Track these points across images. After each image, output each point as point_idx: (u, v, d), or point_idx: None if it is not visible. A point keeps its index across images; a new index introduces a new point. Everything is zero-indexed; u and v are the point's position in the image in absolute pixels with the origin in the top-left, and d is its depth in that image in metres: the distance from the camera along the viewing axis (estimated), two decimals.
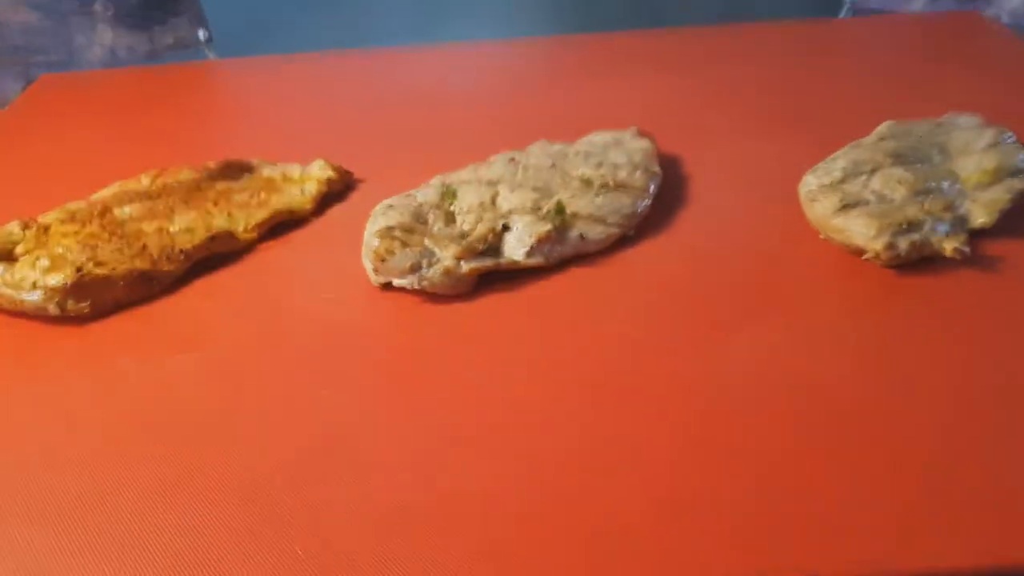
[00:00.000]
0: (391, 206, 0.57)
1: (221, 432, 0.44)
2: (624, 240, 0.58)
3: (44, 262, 0.53)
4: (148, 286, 0.54)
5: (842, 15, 1.30)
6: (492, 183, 0.59)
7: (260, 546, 0.37)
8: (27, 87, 0.97)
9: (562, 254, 0.55)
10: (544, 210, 0.56)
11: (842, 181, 0.57)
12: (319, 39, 1.04)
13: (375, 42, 1.08)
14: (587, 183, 0.59)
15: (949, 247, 0.51)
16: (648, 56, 0.92)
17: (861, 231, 0.52)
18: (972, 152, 0.61)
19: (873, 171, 0.58)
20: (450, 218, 0.57)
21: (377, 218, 0.56)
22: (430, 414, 0.44)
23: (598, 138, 0.68)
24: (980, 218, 0.54)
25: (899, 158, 0.59)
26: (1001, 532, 0.36)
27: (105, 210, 0.60)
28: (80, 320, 0.53)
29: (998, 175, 0.58)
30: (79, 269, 0.52)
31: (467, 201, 0.57)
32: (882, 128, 0.65)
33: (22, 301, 0.52)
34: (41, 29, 1.24)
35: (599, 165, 0.61)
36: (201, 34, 1.34)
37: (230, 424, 0.45)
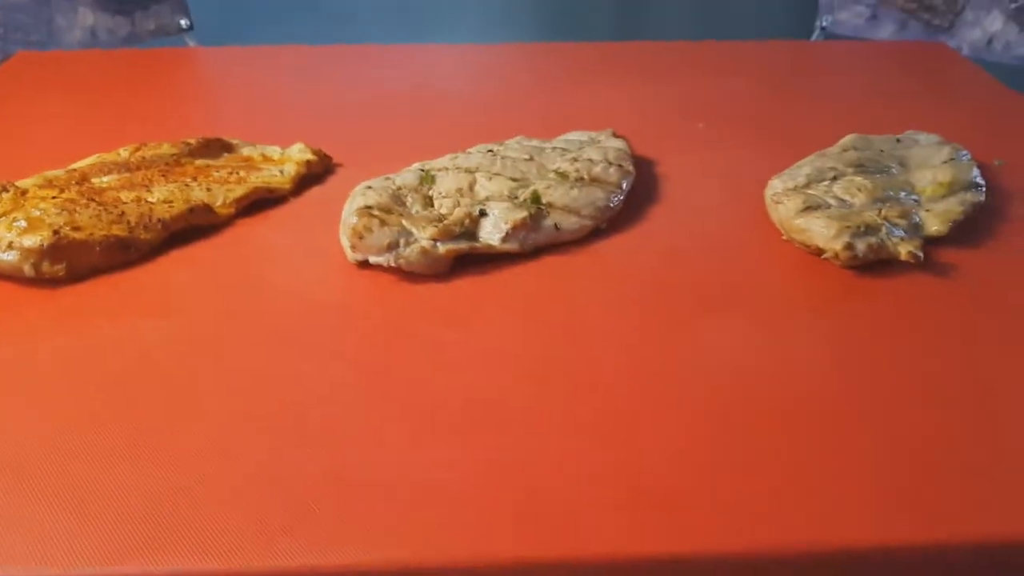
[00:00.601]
0: (370, 187, 0.58)
1: (192, 396, 0.44)
2: (596, 233, 0.59)
3: (21, 223, 0.53)
4: (125, 253, 0.55)
5: (813, 39, 1.34)
6: (470, 171, 0.60)
7: (229, 508, 0.38)
8: (3, 62, 0.96)
9: (536, 242, 0.57)
10: (520, 198, 0.58)
11: (806, 186, 0.60)
12: (303, 39, 1.04)
13: (361, 43, 1.09)
14: (563, 176, 0.61)
15: (904, 250, 0.54)
16: (628, 65, 0.94)
17: (821, 231, 0.55)
18: (929, 166, 0.64)
19: (835, 178, 0.61)
20: (428, 202, 0.58)
21: (356, 197, 0.57)
22: (404, 391, 0.45)
23: (574, 136, 0.70)
24: (934, 226, 0.57)
25: (861, 168, 0.62)
26: (955, 512, 0.38)
27: (83, 178, 0.60)
28: (55, 283, 0.53)
29: (952, 188, 0.61)
30: (56, 231, 0.52)
31: (445, 186, 0.59)
32: (846, 140, 0.68)
33: None
34: (20, 6, 1.23)
35: (575, 160, 0.63)
36: (183, 22, 1.34)
37: (202, 389, 0.45)
